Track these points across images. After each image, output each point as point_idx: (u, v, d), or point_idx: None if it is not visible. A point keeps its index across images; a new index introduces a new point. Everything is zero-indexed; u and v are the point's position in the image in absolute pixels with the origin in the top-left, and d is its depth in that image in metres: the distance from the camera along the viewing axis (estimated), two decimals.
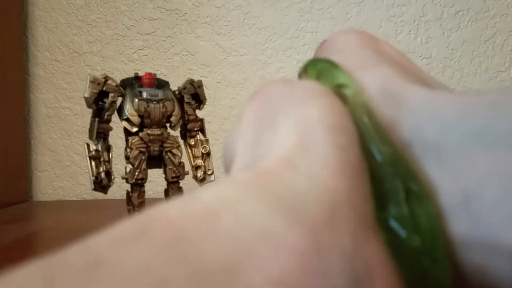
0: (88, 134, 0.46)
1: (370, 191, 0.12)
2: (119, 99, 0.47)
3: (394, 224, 0.12)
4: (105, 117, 0.46)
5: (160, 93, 0.47)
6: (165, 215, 0.09)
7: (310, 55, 0.87)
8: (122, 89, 0.47)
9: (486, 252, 0.11)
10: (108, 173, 0.46)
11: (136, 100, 0.46)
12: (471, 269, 0.12)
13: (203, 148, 0.51)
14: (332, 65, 0.16)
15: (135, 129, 0.46)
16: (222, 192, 0.10)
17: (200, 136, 0.51)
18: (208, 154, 0.51)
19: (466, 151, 0.11)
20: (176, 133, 0.50)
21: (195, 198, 0.10)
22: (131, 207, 0.46)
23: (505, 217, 0.10)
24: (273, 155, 0.12)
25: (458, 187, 0.11)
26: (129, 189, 0.46)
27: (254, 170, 0.12)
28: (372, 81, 0.14)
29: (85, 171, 0.85)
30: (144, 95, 0.47)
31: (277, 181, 0.11)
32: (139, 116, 0.46)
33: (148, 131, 0.46)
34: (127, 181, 0.46)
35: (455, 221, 0.11)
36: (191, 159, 0.51)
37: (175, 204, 0.10)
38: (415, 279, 0.12)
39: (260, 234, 0.09)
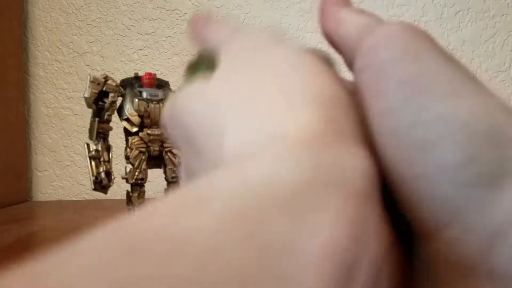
0: (88, 134, 0.46)
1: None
2: (119, 99, 0.47)
3: None
4: (105, 117, 0.46)
5: (160, 93, 0.47)
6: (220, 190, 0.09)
7: None
8: (122, 89, 0.47)
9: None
10: (108, 173, 0.46)
11: (136, 100, 0.46)
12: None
13: None
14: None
15: (135, 129, 0.46)
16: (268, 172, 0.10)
17: None
18: None
19: None
20: None
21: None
22: (131, 207, 0.46)
23: None
24: (296, 132, 0.12)
25: None
26: (129, 189, 0.46)
27: (288, 144, 0.12)
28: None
29: (85, 171, 0.85)
30: (144, 95, 0.47)
31: (319, 156, 0.11)
32: (139, 116, 0.46)
33: (148, 131, 0.46)
34: (127, 181, 0.46)
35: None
36: None
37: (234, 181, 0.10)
38: None
39: (315, 206, 0.09)
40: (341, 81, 0.14)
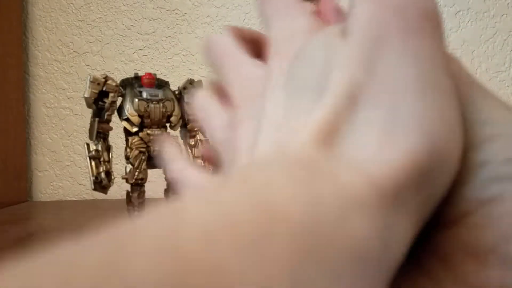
0: (88, 134, 0.46)
1: None
2: (119, 99, 0.47)
3: None
4: (105, 117, 0.46)
5: (160, 93, 0.47)
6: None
7: None
8: (122, 89, 0.47)
9: None
10: (108, 173, 0.46)
11: (136, 100, 0.46)
12: None
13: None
14: None
15: (135, 129, 0.46)
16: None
17: (200, 136, 0.51)
18: None
19: None
20: (176, 133, 0.50)
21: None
22: (131, 207, 0.46)
23: None
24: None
25: None
26: (129, 189, 0.46)
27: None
28: None
29: (85, 171, 0.85)
30: (144, 95, 0.47)
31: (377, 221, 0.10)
32: (139, 116, 0.46)
33: (148, 131, 0.46)
34: (127, 181, 0.46)
35: None
36: (191, 159, 0.51)
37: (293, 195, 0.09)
38: None
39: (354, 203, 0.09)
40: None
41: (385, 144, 0.11)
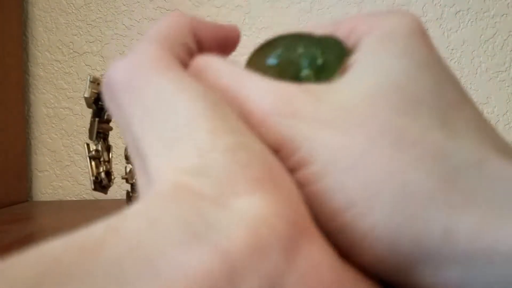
0: (88, 134, 0.46)
1: (298, 193, 0.12)
2: None
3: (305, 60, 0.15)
4: (105, 117, 0.46)
5: None
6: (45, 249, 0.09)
7: None
8: None
9: None
10: (108, 173, 0.46)
11: None
12: None
13: None
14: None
15: None
16: (111, 222, 0.10)
17: None
18: None
19: None
20: None
21: (89, 229, 0.10)
22: None
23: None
24: (167, 178, 0.12)
25: None
26: (129, 189, 0.46)
27: (149, 196, 0.11)
28: None
29: (85, 171, 0.85)
30: None
31: (179, 207, 0.10)
32: None
33: None
34: (127, 181, 0.46)
35: None
36: None
37: (62, 239, 0.10)
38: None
39: (149, 261, 0.09)
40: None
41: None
